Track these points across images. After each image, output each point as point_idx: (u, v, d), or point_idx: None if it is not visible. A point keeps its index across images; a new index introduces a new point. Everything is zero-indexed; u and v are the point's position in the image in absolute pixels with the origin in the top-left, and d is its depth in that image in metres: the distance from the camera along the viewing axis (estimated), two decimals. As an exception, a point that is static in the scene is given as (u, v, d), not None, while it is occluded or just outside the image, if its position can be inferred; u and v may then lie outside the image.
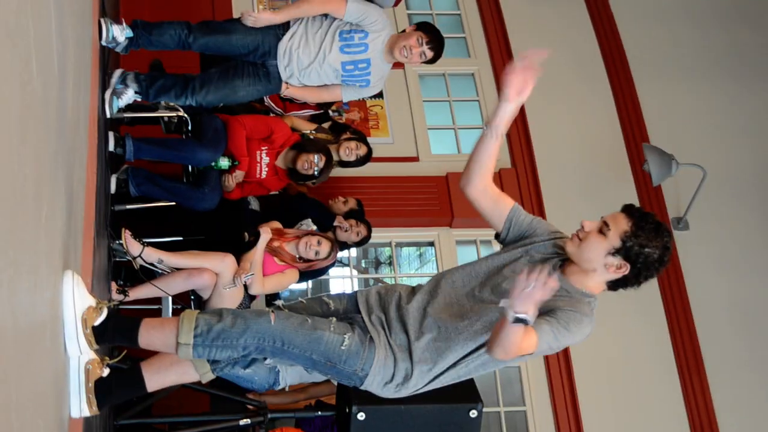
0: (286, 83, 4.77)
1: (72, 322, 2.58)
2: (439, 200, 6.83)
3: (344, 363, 2.87)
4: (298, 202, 5.74)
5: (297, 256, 5.01)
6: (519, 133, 7.19)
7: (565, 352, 6.52)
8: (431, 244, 7.07)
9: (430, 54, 4.64)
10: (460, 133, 7.39)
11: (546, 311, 2.76)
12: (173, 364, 3.07)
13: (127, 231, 4.48)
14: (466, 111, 7.52)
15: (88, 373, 2.68)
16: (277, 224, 5.16)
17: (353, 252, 7.03)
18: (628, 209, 2.91)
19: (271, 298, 5.53)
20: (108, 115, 4.39)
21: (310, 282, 6.42)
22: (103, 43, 4.32)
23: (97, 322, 2.68)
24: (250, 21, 4.57)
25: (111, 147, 4.59)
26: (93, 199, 3.50)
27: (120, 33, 4.40)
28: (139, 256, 4.49)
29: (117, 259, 4.62)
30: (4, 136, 1.53)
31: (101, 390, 2.74)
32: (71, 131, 2.75)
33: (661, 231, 2.83)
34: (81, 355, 2.67)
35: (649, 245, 2.79)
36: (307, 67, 4.68)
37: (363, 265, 7.92)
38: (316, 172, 5.18)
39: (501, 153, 7.07)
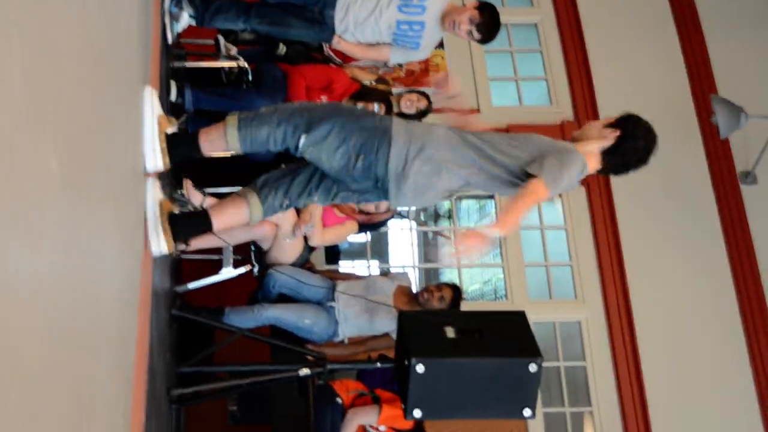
0: (339, 36, 4.70)
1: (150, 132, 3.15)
2: (499, 153, 6.75)
3: (364, 118, 3.40)
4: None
5: (357, 208, 4.99)
6: (582, 84, 7.07)
7: (626, 305, 6.46)
8: (491, 197, 7.01)
9: (477, 36, 4.53)
10: (522, 84, 7.28)
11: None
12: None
13: (188, 180, 4.50)
14: (528, 62, 7.40)
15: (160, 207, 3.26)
16: (337, 176, 5.13)
17: (412, 204, 7.00)
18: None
19: (330, 251, 5.53)
20: (169, 41, 4.36)
21: (369, 234, 6.41)
22: None
23: (169, 131, 3.24)
24: None
25: (172, 97, 4.60)
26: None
27: None
28: (201, 205, 4.50)
29: (179, 209, 4.64)
30: (76, 87, 1.51)
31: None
32: (136, 84, 2.74)
33: (650, 128, 3.53)
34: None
35: (637, 128, 3.49)
36: (363, 23, 4.61)
37: (422, 218, 7.89)
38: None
39: (563, 105, 7.07)
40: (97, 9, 1.85)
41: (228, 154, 4.97)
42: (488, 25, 4.50)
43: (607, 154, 3.47)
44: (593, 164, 3.48)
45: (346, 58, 5.66)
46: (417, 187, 3.38)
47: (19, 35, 1.30)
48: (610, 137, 3.45)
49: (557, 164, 3.29)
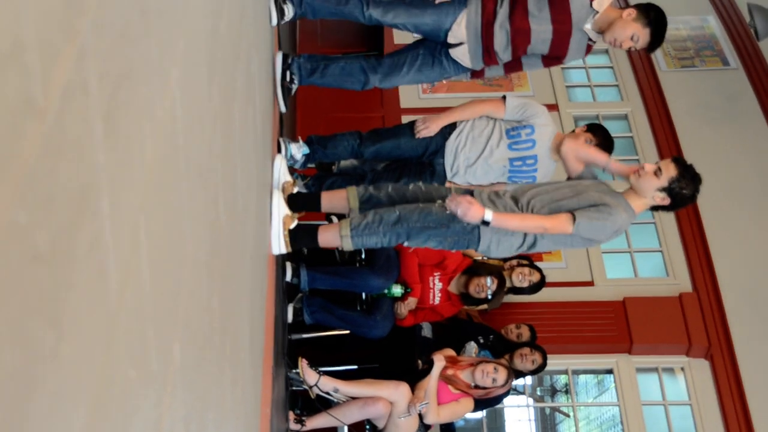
0: (450, 182, 4.72)
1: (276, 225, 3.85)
2: (616, 326, 6.61)
3: (453, 222, 3.87)
4: (469, 329, 5.68)
5: (472, 384, 4.91)
6: (699, 255, 6.92)
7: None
8: (610, 371, 6.81)
9: None
10: (636, 256, 7.17)
11: (591, 204, 3.80)
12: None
13: (303, 360, 4.53)
14: (642, 233, 7.32)
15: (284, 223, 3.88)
16: (450, 351, 5.11)
17: (528, 380, 6.86)
18: (676, 160, 3.84)
19: (446, 428, 5.43)
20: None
21: (485, 410, 6.28)
22: None
23: (291, 227, 3.90)
24: (423, 133, 4.59)
25: (288, 277, 4.69)
26: (272, 329, 3.57)
27: (297, 150, 4.54)
28: (316, 385, 4.52)
29: (294, 388, 4.67)
30: (196, 272, 1.57)
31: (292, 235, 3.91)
32: (253, 263, 2.82)
33: (697, 179, 3.81)
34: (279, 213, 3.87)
35: (686, 188, 3.77)
36: (473, 164, 4.58)
37: (538, 392, 7.71)
38: (488, 296, 5.12)
39: (681, 276, 6.91)
40: (211, 187, 1.94)
41: (344, 332, 5.04)
42: (605, 145, 4.43)
43: (655, 208, 3.90)
44: (639, 209, 3.88)
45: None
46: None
47: (145, 226, 1.36)
48: (661, 202, 3.81)
49: (596, 215, 3.75)
